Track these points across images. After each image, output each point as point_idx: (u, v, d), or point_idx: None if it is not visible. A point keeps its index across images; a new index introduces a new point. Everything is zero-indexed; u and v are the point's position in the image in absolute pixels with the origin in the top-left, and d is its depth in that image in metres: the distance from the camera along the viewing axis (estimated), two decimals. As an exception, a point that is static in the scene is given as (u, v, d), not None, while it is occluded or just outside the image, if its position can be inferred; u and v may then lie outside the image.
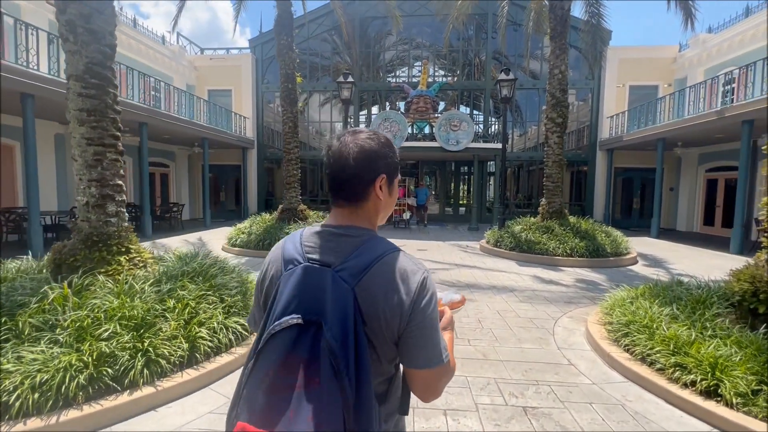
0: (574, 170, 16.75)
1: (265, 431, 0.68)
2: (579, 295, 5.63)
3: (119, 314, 2.82)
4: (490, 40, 15.89)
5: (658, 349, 2.95)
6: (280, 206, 10.06)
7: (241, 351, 3.22)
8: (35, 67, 7.34)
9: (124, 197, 3.99)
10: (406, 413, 0.88)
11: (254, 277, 4.75)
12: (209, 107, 14.14)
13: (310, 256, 0.82)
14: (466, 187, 19.09)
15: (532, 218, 9.77)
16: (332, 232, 0.85)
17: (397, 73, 18.18)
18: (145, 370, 2.61)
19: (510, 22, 13.84)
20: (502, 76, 9.39)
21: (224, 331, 3.20)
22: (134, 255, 3.89)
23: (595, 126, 15.74)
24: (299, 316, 0.74)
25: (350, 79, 9.65)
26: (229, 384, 2.94)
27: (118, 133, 3.91)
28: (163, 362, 2.69)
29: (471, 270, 7.18)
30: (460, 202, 18.43)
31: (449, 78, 16.39)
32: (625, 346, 3.31)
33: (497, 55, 16.56)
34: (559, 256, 7.80)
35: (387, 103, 16.37)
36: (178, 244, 9.59)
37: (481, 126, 16.38)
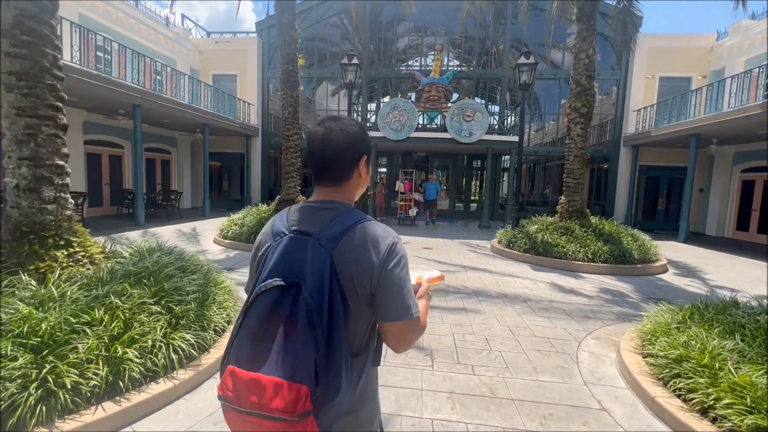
0: (595, 167, 15.73)
1: (250, 372, 0.82)
2: (604, 309, 4.85)
3: (19, 329, 2.19)
4: (509, 26, 14.88)
5: (727, 401, 2.20)
6: (278, 197, 9.44)
7: (185, 376, 2.58)
8: None
9: (67, 180, 3.37)
10: (378, 364, 1.01)
11: (225, 278, 4.12)
12: (211, 92, 13.55)
13: (294, 228, 0.94)
14: (478, 183, 18.21)
15: (549, 217, 8.94)
16: (314, 207, 0.98)
17: (410, 62, 17.29)
18: (41, 407, 1.98)
19: (532, 7, 12.85)
20: (522, 60, 8.51)
21: (164, 349, 2.56)
22: (77, 249, 3.27)
23: (620, 120, 14.67)
24: (281, 278, 0.87)
25: (355, 61, 8.89)
26: (162, 421, 2.30)
27: (59, 104, 3.27)
28: (67, 395, 2.06)
29: (479, 274, 6.44)
30: (472, 198, 17.58)
31: (464, 67, 15.46)
32: (676, 390, 2.56)
33: (516, 43, 15.54)
34: (579, 260, 6.99)
35: (398, 93, 15.58)
36: (169, 234, 9.07)
37: (497, 118, 15.47)
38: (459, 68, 14.66)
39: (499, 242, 8.68)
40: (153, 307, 2.74)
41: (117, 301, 2.64)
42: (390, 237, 0.93)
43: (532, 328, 4.07)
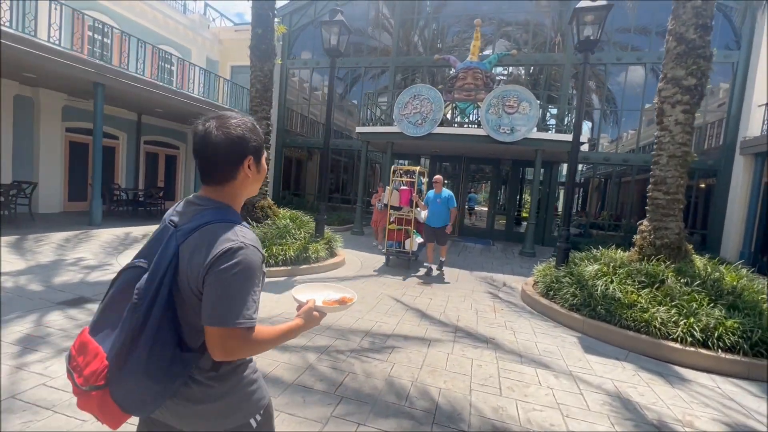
0: (693, 183, 11.62)
1: (87, 336, 0.93)
2: None
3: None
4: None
5: None
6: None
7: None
8: None
9: None
10: (216, 370, 0.98)
11: None
12: (206, 77, 12.03)
13: (171, 218, 1.00)
14: (530, 196, 14.74)
15: (622, 252, 5.69)
16: (190, 201, 1.02)
17: (451, 50, 14.56)
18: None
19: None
20: (585, 2, 5.44)
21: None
22: None
23: (735, 119, 10.57)
24: (144, 260, 0.97)
25: (339, 17, 6.49)
26: None
27: None
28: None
29: (475, 350, 3.56)
30: (523, 214, 14.22)
31: (514, 49, 12.37)
32: None
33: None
34: (676, 342, 3.79)
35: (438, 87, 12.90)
36: (109, 237, 7.35)
37: (552, 114, 12.09)
38: (507, 51, 11.63)
39: (534, 285, 5.62)
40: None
41: None
42: (234, 242, 0.92)
43: None
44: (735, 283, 4.48)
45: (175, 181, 14.20)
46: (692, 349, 3.67)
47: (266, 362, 2.96)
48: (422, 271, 6.88)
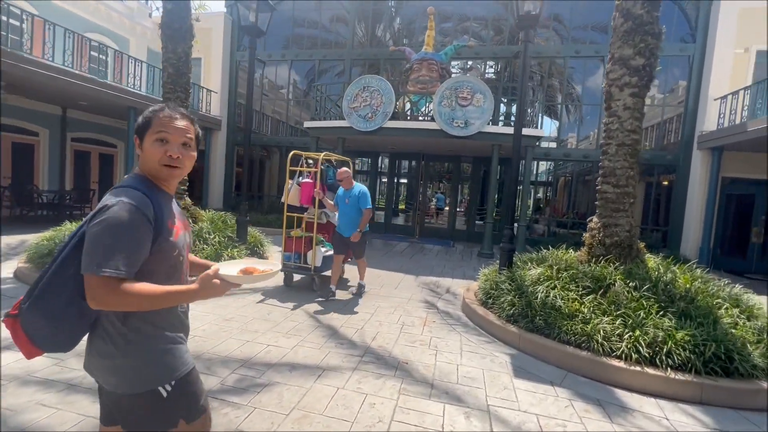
0: (653, 180, 11.40)
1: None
2: None
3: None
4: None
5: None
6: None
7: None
8: None
9: None
10: (123, 323, 1.09)
11: None
12: (149, 69, 10.98)
13: None
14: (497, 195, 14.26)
15: (573, 252, 5.14)
16: None
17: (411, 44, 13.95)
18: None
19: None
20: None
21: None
22: None
23: (692, 113, 10.39)
24: None
25: (257, -9, 5.69)
26: None
27: None
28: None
29: (378, 393, 2.85)
30: (483, 213, 13.69)
31: (472, 41, 11.85)
32: None
33: (549, 21, 11.79)
34: (621, 360, 3.18)
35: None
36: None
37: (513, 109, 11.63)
38: (464, 42, 11.08)
39: (477, 293, 4.98)
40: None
41: None
42: (109, 200, 1.04)
43: None
44: (688, 285, 3.95)
45: (112, 182, 12.95)
46: (638, 368, 3.07)
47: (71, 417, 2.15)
48: (329, 295, 4.86)
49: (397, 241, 10.85)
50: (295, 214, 5.35)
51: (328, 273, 5.33)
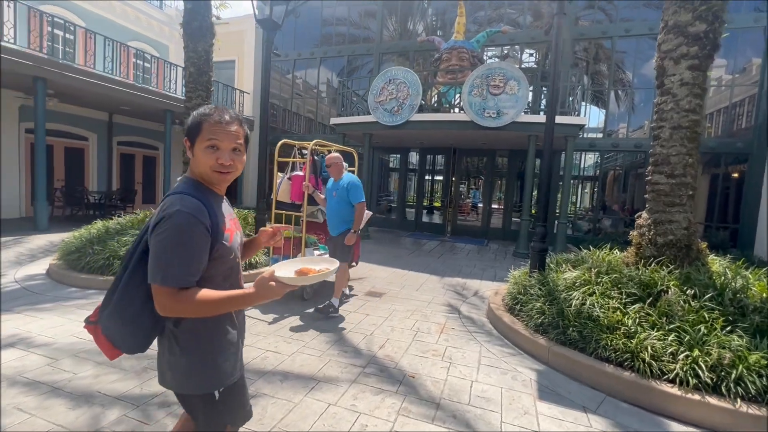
0: (720, 171, 10.06)
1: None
2: None
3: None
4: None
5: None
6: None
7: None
8: None
9: None
10: (177, 326, 1.16)
11: None
12: (181, 73, 11.34)
13: None
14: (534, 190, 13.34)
15: (618, 252, 4.50)
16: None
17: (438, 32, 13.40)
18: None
19: None
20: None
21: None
22: None
23: (769, 94, 9.01)
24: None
25: (272, -18, 5.56)
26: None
27: None
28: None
29: (374, 413, 2.51)
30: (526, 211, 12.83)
31: (506, 26, 11.10)
32: None
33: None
34: (674, 385, 2.62)
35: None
36: (40, 244, 6.67)
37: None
38: (497, 28, 10.37)
39: (504, 298, 4.48)
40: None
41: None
42: (171, 208, 1.06)
43: None
44: (765, 294, 3.25)
45: (155, 183, 13.63)
46: (696, 396, 2.50)
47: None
48: (331, 311, 4.03)
49: (426, 240, 10.42)
50: (287, 212, 4.78)
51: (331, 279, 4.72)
